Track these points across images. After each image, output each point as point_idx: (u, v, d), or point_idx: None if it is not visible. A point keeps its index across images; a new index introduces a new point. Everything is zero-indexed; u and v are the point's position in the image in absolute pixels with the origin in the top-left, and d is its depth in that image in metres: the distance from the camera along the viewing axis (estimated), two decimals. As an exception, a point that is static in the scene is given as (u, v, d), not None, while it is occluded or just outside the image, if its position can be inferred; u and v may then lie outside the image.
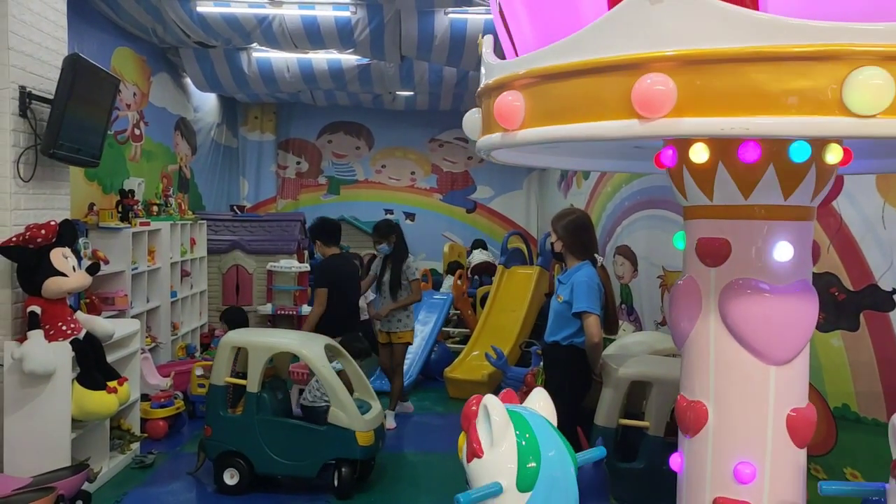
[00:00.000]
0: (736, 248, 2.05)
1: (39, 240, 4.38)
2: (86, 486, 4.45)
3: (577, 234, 4.34)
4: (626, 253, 7.13)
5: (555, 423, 2.17)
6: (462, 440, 2.15)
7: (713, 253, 2.10)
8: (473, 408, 2.09)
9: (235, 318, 6.54)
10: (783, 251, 2.00)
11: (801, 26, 1.53)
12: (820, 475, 3.56)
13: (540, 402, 2.23)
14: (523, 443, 2.03)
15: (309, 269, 9.43)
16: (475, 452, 2.03)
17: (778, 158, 1.91)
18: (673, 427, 4.44)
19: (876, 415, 3.33)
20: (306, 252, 10.09)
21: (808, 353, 2.12)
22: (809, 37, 1.52)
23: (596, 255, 4.36)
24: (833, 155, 1.84)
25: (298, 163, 12.54)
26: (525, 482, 2.00)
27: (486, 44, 2.12)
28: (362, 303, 7.40)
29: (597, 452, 2.28)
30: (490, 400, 2.06)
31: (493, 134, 1.98)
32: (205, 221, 9.00)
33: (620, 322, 6.18)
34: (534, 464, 2.01)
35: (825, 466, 3.57)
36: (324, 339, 5.07)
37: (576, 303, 4.16)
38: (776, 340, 2.04)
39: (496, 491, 1.99)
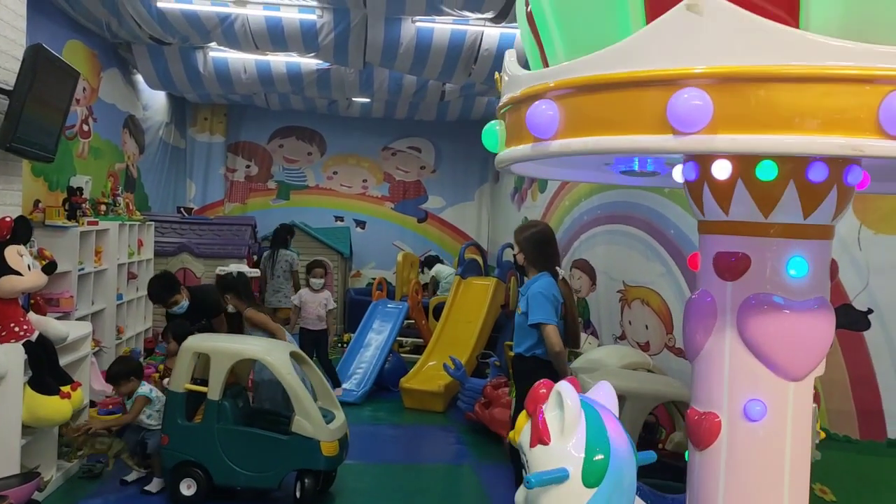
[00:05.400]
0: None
1: (-7, 236, 4.17)
2: (34, 496, 4.24)
3: (539, 247, 4.37)
4: (583, 267, 7.19)
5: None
6: (522, 421, 2.11)
7: None
8: (543, 391, 2.06)
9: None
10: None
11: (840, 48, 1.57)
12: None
13: (604, 396, 2.19)
14: (596, 438, 1.98)
15: (259, 274, 9.27)
16: (541, 439, 2.00)
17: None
18: (647, 441, 4.50)
19: (847, 432, 3.42)
20: (255, 257, 9.90)
21: (714, 363, 2.17)
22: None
23: (557, 268, 4.38)
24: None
25: (248, 166, 12.30)
26: (591, 477, 1.96)
27: (510, 55, 2.12)
28: (296, 301, 7.66)
29: (647, 456, 2.27)
30: (564, 387, 2.01)
31: (522, 145, 1.97)
32: (153, 223, 8.75)
33: (585, 336, 6.23)
34: (601, 456, 1.98)
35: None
36: (289, 346, 4.96)
37: (531, 315, 4.19)
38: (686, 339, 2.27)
39: (562, 475, 1.96)
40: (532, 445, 2.04)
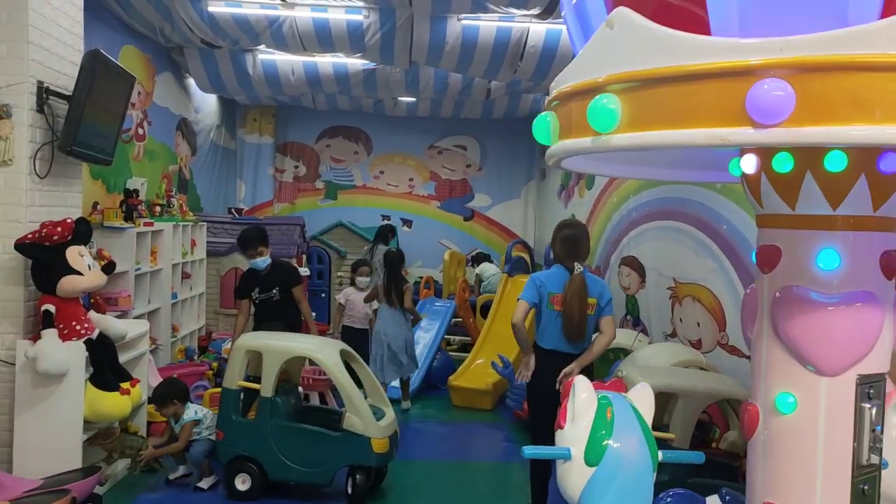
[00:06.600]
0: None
1: (56, 237, 4.30)
2: (95, 489, 4.37)
3: (565, 245, 4.46)
4: (632, 264, 7.12)
5: (650, 420, 2.32)
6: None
7: None
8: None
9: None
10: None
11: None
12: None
13: (639, 396, 2.38)
14: (601, 422, 2.22)
15: (308, 273, 9.42)
16: (559, 423, 2.32)
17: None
18: (700, 439, 4.45)
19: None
20: (304, 256, 10.03)
21: (756, 355, 2.24)
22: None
23: (576, 264, 4.37)
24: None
25: (296, 166, 12.46)
26: (592, 456, 2.19)
27: None
28: (341, 299, 7.72)
29: (694, 456, 2.42)
30: (580, 380, 2.31)
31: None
32: (205, 223, 8.91)
33: (635, 333, 6.18)
34: (607, 441, 2.19)
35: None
36: (339, 344, 5.02)
37: None
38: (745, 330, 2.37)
39: (564, 454, 2.24)
40: (555, 429, 2.36)
